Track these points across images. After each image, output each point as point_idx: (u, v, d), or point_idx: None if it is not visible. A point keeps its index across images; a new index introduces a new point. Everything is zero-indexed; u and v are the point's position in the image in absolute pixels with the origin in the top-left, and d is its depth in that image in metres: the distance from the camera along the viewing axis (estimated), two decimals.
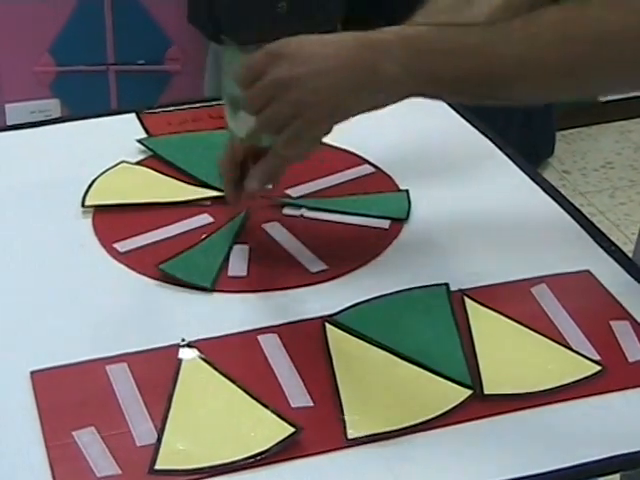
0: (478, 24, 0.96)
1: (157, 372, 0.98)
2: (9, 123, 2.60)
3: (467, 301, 1.08)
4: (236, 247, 1.16)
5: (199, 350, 1.01)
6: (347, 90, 0.95)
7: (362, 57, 0.94)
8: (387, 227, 1.21)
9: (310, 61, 0.94)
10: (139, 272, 1.12)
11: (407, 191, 1.26)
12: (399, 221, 1.22)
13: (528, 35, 0.92)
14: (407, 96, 0.97)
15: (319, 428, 0.93)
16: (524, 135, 2.57)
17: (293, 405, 0.95)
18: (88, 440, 0.91)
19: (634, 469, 0.96)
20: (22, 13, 2.58)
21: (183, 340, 1.01)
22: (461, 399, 0.96)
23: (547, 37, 0.91)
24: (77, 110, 2.57)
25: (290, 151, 1.00)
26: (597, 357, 1.01)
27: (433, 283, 1.10)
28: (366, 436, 0.92)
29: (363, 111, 0.98)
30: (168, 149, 1.34)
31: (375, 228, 1.21)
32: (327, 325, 1.04)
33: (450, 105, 1.46)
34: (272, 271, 1.14)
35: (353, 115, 0.99)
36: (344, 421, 0.93)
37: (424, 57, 0.93)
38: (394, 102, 0.98)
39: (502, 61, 0.92)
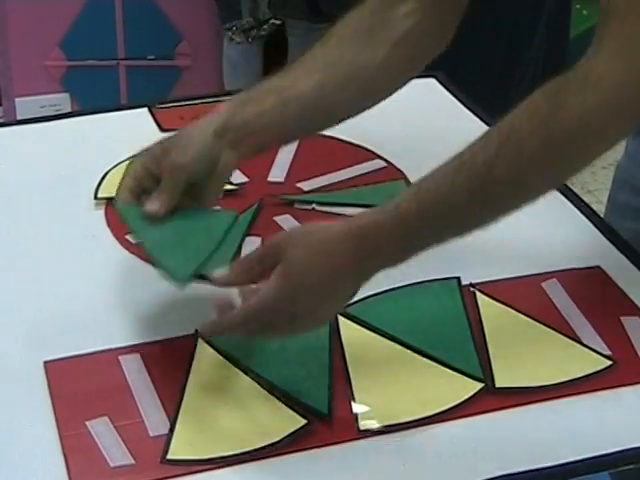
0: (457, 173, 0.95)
1: (170, 363, 0.99)
2: (19, 117, 2.61)
3: (478, 295, 1.08)
4: (248, 239, 1.16)
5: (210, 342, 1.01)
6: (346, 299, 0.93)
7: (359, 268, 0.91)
8: None
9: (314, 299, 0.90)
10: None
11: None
12: None
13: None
14: None
15: (331, 419, 0.93)
16: None
17: None
18: (101, 430, 0.91)
19: None
20: (33, 8, 2.59)
21: (197, 331, 1.01)
22: (473, 392, 0.96)
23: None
24: (87, 105, 2.58)
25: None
26: (608, 352, 1.02)
27: (444, 277, 1.10)
28: (378, 428, 0.93)
29: None
30: None
31: None
32: (339, 317, 1.05)
33: (464, 104, 1.47)
34: None
35: None
36: (356, 412, 0.94)
37: (414, 243, 0.92)
38: None
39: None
